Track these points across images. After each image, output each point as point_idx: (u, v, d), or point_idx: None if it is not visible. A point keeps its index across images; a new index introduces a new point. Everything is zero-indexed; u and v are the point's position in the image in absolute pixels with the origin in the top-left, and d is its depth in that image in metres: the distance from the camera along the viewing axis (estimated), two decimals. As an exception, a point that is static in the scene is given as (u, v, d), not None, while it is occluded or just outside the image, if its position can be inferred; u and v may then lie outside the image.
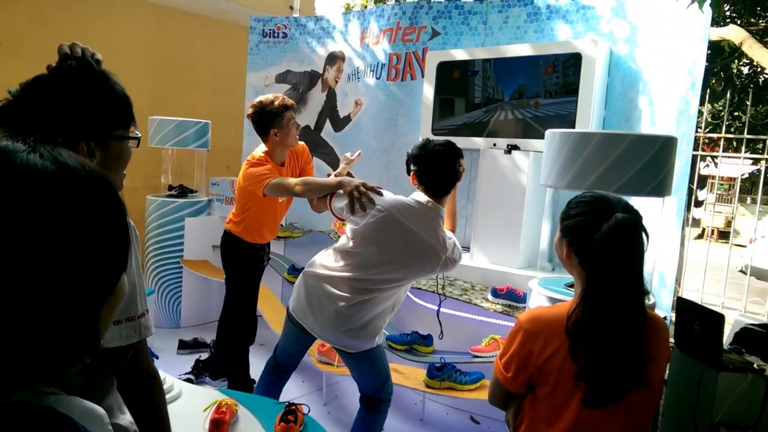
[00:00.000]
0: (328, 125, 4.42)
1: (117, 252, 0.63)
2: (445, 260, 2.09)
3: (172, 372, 2.87)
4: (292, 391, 3.34)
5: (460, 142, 3.55)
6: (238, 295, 3.17)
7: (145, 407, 1.20)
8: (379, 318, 2.18)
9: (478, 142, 3.46)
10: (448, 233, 2.17)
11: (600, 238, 1.25)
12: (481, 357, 2.84)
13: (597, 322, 1.25)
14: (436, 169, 2.08)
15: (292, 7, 5.67)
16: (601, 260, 1.26)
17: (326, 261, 2.21)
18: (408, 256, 2.06)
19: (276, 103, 2.79)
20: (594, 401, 1.25)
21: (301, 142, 3.11)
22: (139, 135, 1.15)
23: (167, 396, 2.04)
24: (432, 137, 2.22)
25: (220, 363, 3.31)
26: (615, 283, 1.25)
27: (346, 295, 2.12)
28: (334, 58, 4.39)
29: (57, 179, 0.57)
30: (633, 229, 1.27)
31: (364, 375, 2.34)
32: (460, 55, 3.56)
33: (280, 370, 2.50)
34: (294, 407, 2.10)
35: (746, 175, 7.39)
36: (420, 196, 2.14)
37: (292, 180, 2.55)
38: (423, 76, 3.76)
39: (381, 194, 2.15)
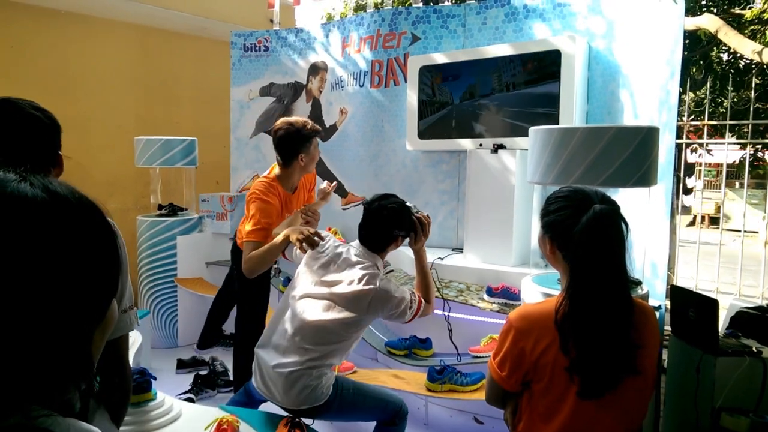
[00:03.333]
0: (314, 135, 4.43)
1: (108, 277, 0.64)
2: (372, 303, 2.08)
3: (171, 392, 2.85)
4: (294, 403, 3.33)
5: (447, 144, 3.60)
6: (242, 306, 3.16)
7: (117, 414, 1.24)
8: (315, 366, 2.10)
9: (465, 143, 3.47)
10: (399, 289, 2.16)
11: (580, 231, 1.27)
12: (480, 357, 2.85)
13: (584, 314, 1.26)
14: (369, 226, 2.21)
15: (272, 21, 5.68)
16: (582, 252, 1.27)
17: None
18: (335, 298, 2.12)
19: (308, 126, 2.73)
20: (588, 392, 1.26)
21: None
22: (69, 157, 1.28)
23: (166, 417, 2.03)
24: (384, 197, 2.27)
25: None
26: (598, 274, 1.27)
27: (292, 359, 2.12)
28: (316, 69, 4.40)
29: (48, 207, 0.58)
30: (612, 219, 1.29)
31: (363, 415, 2.31)
32: (441, 58, 3.58)
33: (254, 400, 2.40)
34: (297, 420, 2.10)
35: (737, 162, 7.45)
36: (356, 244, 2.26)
37: (248, 253, 2.53)
38: (406, 81, 3.77)
39: (322, 238, 2.26)
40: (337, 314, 2.10)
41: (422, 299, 2.22)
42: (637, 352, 1.28)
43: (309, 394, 2.08)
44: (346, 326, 2.12)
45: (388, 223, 2.16)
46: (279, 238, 2.40)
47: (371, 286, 2.08)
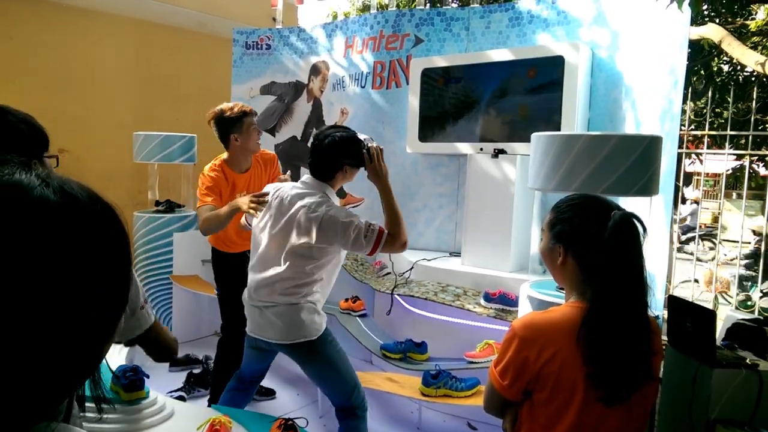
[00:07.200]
0: (314, 135, 4.41)
1: (122, 285, 0.62)
2: (320, 229, 2.09)
3: (164, 390, 2.83)
4: (287, 404, 3.31)
5: (447, 147, 3.59)
6: (222, 306, 3.14)
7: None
8: (308, 296, 2.21)
9: (465, 147, 3.46)
10: (349, 215, 2.16)
11: (609, 237, 1.25)
12: (476, 363, 2.83)
13: (614, 322, 1.24)
14: (317, 154, 2.24)
15: (274, 19, 5.67)
16: (611, 259, 1.25)
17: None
18: (286, 227, 2.18)
19: (236, 109, 2.88)
20: (612, 400, 1.25)
21: (272, 152, 3.23)
22: (58, 155, 1.25)
23: (159, 416, 2.01)
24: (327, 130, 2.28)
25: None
26: (628, 280, 1.26)
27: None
28: (318, 68, 4.39)
29: (69, 213, 0.56)
30: (634, 223, 1.28)
31: (328, 381, 2.33)
32: (443, 61, 3.57)
33: (246, 382, 2.53)
34: (291, 422, 2.08)
35: (730, 171, 7.45)
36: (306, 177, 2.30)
37: (203, 215, 2.74)
38: (407, 84, 3.76)
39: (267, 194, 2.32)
40: (296, 248, 2.15)
41: (384, 230, 2.17)
42: (653, 358, 1.29)
43: (297, 328, 2.17)
44: (304, 258, 2.15)
45: (333, 150, 2.16)
46: (225, 208, 2.57)
47: (316, 214, 2.10)
